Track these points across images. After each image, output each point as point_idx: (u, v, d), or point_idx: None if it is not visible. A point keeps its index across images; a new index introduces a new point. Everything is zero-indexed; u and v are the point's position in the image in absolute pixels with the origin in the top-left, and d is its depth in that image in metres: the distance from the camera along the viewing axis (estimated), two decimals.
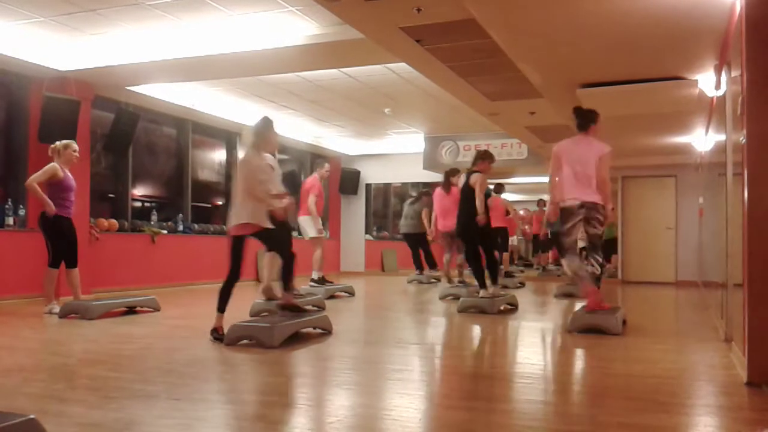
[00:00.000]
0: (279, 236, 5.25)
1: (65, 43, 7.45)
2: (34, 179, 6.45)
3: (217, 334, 4.85)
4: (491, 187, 10.66)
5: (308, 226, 8.48)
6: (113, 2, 6.29)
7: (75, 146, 6.77)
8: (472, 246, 7.38)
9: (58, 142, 6.72)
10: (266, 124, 5.15)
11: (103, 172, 9.81)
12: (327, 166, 8.81)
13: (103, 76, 8.18)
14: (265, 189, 5.01)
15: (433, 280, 11.78)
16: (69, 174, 6.68)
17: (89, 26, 6.95)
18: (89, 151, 8.71)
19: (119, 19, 6.72)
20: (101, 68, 7.84)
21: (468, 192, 7.28)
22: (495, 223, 9.99)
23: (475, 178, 7.24)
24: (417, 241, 11.74)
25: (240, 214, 4.98)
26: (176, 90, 9.40)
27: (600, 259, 5.68)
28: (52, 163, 6.56)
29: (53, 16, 6.67)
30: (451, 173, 9.51)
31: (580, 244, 5.79)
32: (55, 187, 6.54)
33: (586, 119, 5.73)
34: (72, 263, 6.68)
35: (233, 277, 4.98)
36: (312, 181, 8.54)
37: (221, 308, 4.90)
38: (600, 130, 5.77)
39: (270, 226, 5.04)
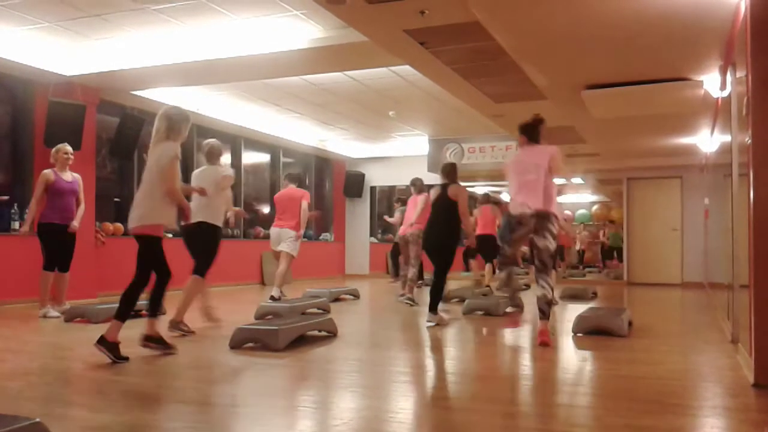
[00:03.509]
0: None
1: (70, 47, 7.48)
2: (35, 195, 6.70)
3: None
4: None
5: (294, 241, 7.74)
6: (118, 7, 6.31)
7: (66, 148, 6.92)
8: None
9: (54, 147, 6.93)
10: (184, 113, 4.69)
11: (108, 176, 9.83)
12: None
13: (109, 81, 8.21)
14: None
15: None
16: (63, 177, 6.80)
17: (94, 31, 6.98)
18: (95, 155, 8.74)
19: (124, 23, 6.74)
20: (106, 73, 7.87)
21: (448, 205, 6.47)
22: (484, 230, 9.98)
23: (455, 190, 6.52)
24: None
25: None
26: (181, 94, 9.42)
27: (551, 282, 5.15)
28: (43, 172, 6.76)
29: (58, 21, 6.70)
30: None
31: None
32: (48, 192, 6.72)
33: (534, 130, 5.40)
34: (63, 267, 6.88)
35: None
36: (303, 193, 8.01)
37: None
38: (546, 135, 5.48)
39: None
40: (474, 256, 11.18)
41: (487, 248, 9.96)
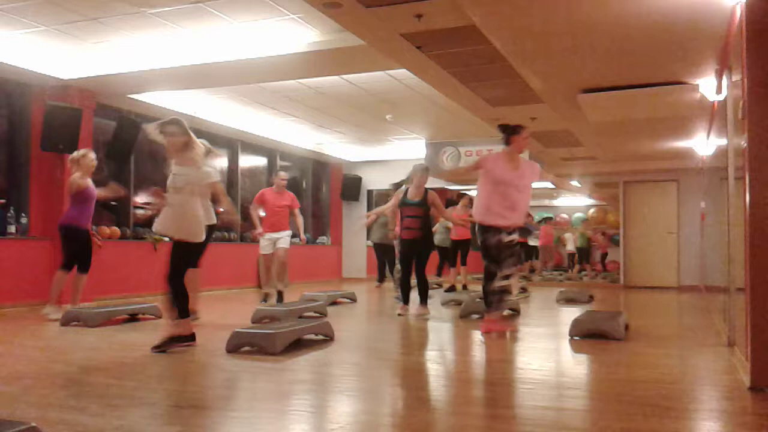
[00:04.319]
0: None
1: (67, 51, 7.47)
2: (78, 181, 6.76)
3: None
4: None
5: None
6: (115, 11, 6.31)
7: (92, 155, 7.00)
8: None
9: (75, 152, 6.96)
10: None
11: (105, 180, 9.79)
12: (282, 174, 8.71)
13: (105, 84, 8.21)
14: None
15: (435, 286, 11.79)
16: (91, 184, 6.94)
17: (91, 35, 6.98)
18: None
19: (121, 27, 6.74)
20: (103, 76, 7.87)
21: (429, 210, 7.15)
22: (463, 235, 10.12)
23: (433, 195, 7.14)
24: (385, 251, 11.37)
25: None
26: (178, 98, 9.42)
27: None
28: (77, 175, 6.81)
29: (55, 25, 6.69)
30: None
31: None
32: (77, 197, 6.83)
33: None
34: (84, 268, 6.97)
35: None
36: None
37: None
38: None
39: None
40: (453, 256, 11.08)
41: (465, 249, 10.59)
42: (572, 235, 16.86)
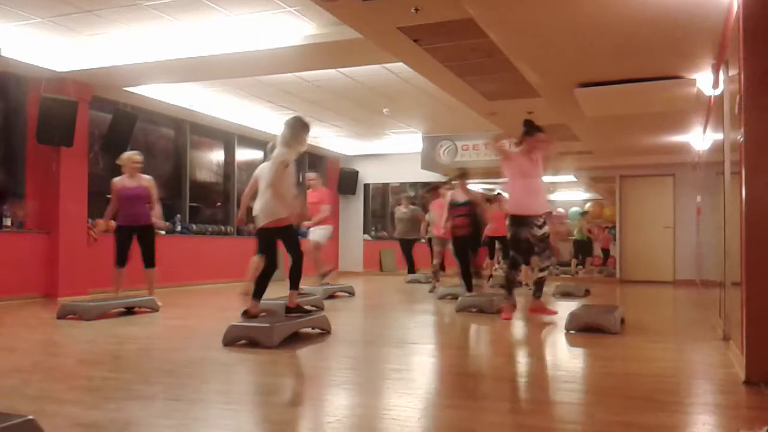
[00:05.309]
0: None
1: (63, 43, 7.44)
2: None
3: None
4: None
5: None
6: (111, 3, 6.28)
7: (135, 157, 7.31)
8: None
9: (134, 153, 7.36)
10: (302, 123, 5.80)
11: (100, 173, 9.77)
12: (311, 174, 9.61)
13: (101, 77, 8.18)
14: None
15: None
16: (127, 184, 7.20)
17: (87, 27, 6.95)
18: (87, 152, 8.71)
19: (117, 19, 6.72)
20: (99, 69, 7.84)
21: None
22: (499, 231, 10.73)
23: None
24: (410, 245, 12.27)
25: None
26: (174, 90, 9.39)
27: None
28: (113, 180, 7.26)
29: (51, 17, 6.66)
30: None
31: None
32: (116, 197, 7.21)
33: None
34: (147, 263, 7.34)
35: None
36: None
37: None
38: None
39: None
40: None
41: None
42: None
